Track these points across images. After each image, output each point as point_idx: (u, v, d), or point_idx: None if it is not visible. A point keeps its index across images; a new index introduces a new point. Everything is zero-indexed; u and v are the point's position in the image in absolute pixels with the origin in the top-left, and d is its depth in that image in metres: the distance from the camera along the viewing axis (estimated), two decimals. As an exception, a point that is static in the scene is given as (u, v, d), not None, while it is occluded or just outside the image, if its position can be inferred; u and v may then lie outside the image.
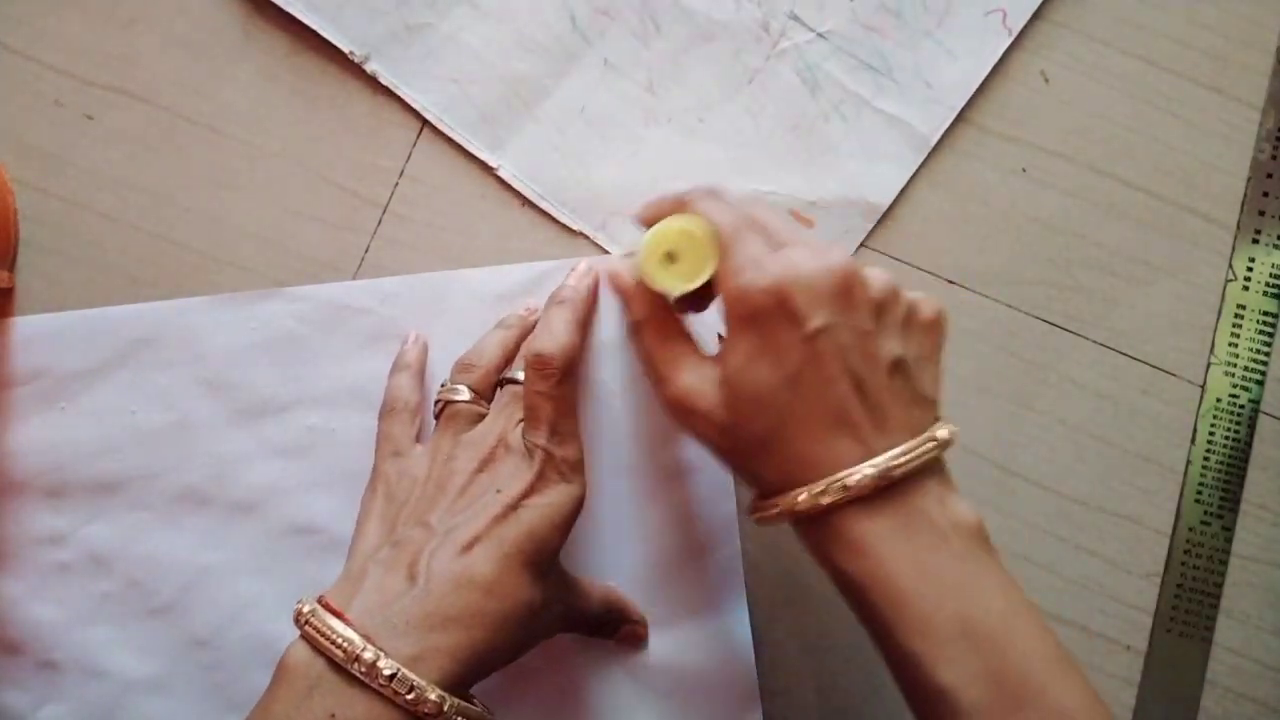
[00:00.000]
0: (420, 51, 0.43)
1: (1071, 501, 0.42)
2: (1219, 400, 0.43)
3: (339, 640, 0.31)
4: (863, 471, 0.31)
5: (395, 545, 0.34)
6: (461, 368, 0.39)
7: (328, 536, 0.40)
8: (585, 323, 0.39)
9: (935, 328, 0.34)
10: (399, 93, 0.42)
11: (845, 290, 0.31)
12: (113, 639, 0.40)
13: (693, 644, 0.40)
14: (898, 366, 0.32)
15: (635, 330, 0.36)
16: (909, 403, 0.32)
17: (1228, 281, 0.44)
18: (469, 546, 0.33)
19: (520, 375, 0.37)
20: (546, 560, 0.35)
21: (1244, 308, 0.44)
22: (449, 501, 0.35)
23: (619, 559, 0.41)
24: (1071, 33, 0.44)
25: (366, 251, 0.42)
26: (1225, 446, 0.43)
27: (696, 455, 0.41)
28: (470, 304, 0.41)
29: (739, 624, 0.40)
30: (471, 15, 0.43)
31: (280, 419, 0.41)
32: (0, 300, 0.41)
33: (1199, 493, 0.43)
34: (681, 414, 0.34)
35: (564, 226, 0.43)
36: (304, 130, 0.43)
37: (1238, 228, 0.44)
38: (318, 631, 0.31)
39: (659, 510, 0.41)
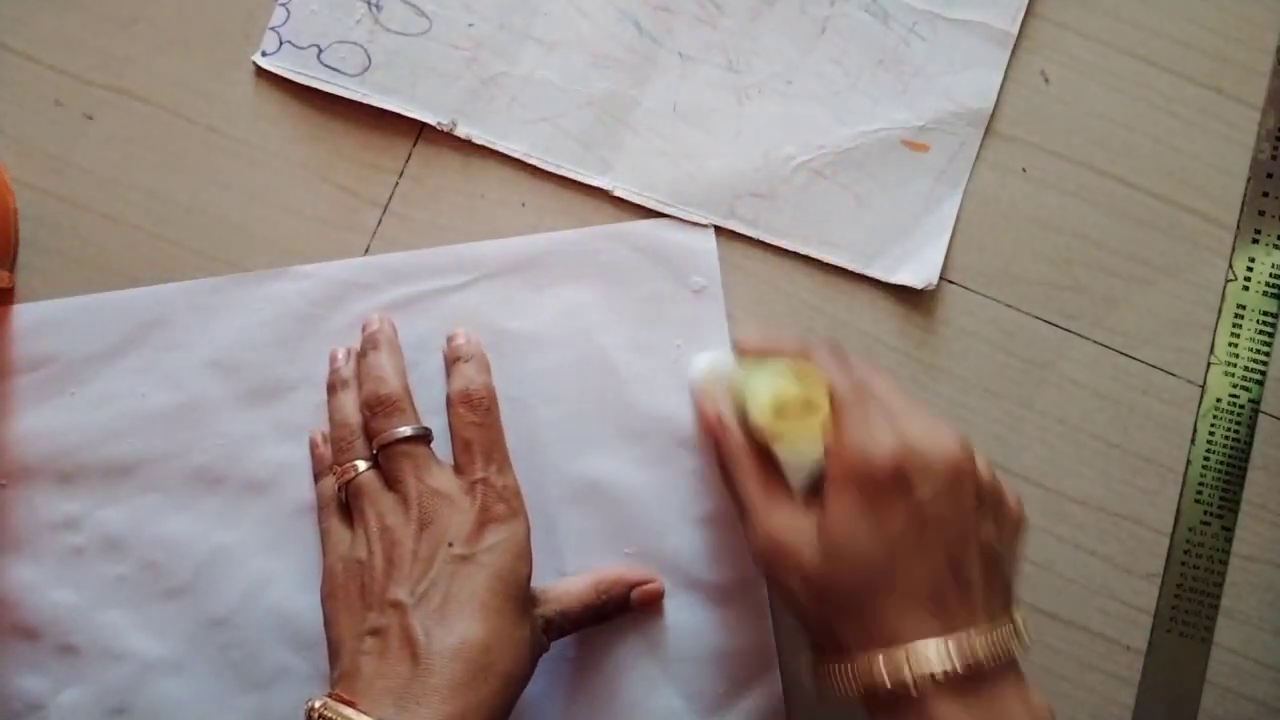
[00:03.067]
0: (503, 102, 0.43)
1: (1071, 501, 0.42)
2: (1219, 400, 0.43)
3: None
4: (948, 656, 0.31)
5: (376, 634, 0.34)
6: (342, 445, 0.39)
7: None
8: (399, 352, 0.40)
9: (1021, 521, 0.35)
10: (497, 148, 0.42)
11: (957, 471, 0.33)
12: (130, 621, 0.40)
13: (709, 609, 0.41)
14: (989, 552, 0.33)
15: (727, 465, 0.37)
16: (994, 589, 0.33)
17: (1228, 281, 0.44)
18: (447, 610, 0.34)
19: (397, 432, 0.37)
20: (523, 592, 0.35)
21: (1244, 308, 0.44)
22: (406, 571, 0.35)
23: (634, 529, 0.41)
24: (1071, 33, 0.44)
25: (366, 251, 0.42)
26: (1225, 446, 0.43)
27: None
28: (478, 277, 0.42)
29: (756, 587, 0.41)
30: (540, 51, 0.43)
31: (289, 398, 0.41)
32: (0, 300, 0.41)
33: (1199, 493, 0.43)
34: (773, 554, 0.34)
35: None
36: (304, 130, 0.43)
37: (1238, 228, 0.44)
38: None
39: (672, 479, 0.41)
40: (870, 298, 0.43)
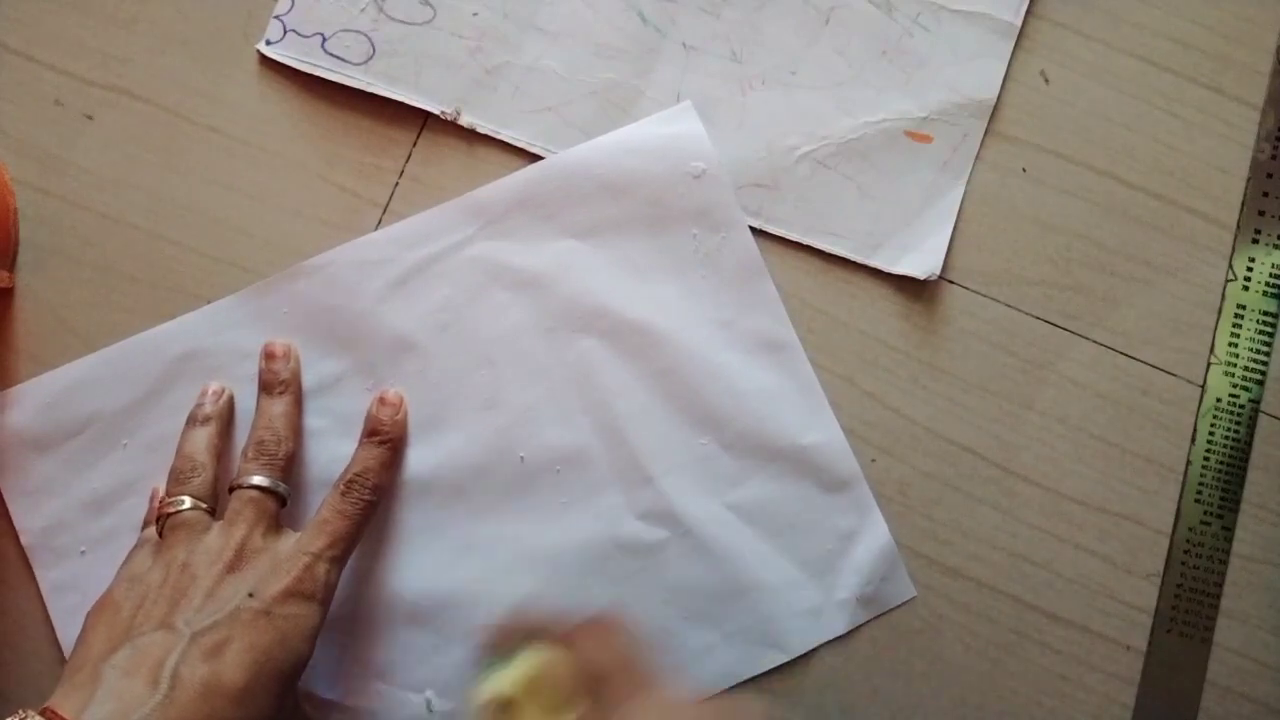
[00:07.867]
0: (507, 91, 0.43)
1: (1071, 501, 0.42)
2: (1219, 400, 0.43)
3: None
4: None
5: (134, 649, 0.32)
6: (176, 479, 0.37)
7: (419, 485, 0.41)
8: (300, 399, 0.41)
9: None
10: (500, 137, 0.43)
11: None
12: None
13: (797, 475, 0.41)
14: None
15: None
16: None
17: (1228, 281, 0.44)
18: (219, 650, 0.32)
19: (256, 480, 0.36)
20: (296, 672, 0.34)
21: (1244, 308, 0.44)
22: (195, 603, 0.33)
23: (703, 420, 0.41)
24: (1071, 33, 0.44)
25: (366, 251, 0.42)
26: (1225, 446, 0.43)
27: (738, 300, 0.42)
28: (485, 223, 0.42)
29: (836, 441, 0.42)
30: (544, 41, 0.43)
31: (339, 389, 0.41)
32: (0, 300, 0.41)
33: (1199, 493, 0.43)
34: None
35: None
36: (304, 130, 0.43)
37: (1238, 228, 0.44)
38: None
39: (725, 360, 0.42)
40: (870, 298, 0.43)
